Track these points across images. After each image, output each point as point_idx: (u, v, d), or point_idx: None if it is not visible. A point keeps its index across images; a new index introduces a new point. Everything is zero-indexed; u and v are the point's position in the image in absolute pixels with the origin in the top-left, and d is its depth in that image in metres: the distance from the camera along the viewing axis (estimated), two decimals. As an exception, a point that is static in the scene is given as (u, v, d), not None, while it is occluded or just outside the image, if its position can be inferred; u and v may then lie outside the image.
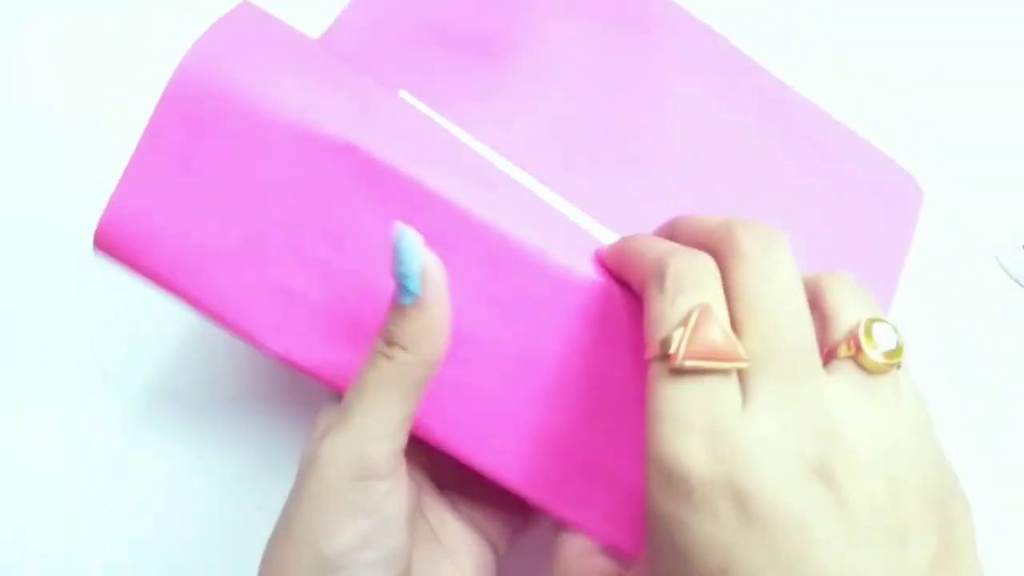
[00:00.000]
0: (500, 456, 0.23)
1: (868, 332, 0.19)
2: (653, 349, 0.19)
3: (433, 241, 0.21)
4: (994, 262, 0.39)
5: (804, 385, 0.18)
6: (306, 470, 0.20)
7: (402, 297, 0.20)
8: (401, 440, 0.21)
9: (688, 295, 0.19)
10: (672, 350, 0.18)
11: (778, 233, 0.20)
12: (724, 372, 0.18)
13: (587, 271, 0.23)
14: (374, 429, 0.20)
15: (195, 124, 0.22)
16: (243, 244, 0.22)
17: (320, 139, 0.22)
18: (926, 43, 0.42)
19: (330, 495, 0.20)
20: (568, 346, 0.23)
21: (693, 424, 0.18)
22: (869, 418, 0.18)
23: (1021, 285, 0.39)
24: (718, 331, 0.18)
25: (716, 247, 0.20)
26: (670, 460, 0.18)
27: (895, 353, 0.19)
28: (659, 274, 0.20)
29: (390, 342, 0.20)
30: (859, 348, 0.19)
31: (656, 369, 0.19)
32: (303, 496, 0.20)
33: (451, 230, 0.23)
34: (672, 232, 0.23)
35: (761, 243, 0.19)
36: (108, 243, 0.22)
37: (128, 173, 0.22)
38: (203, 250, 0.22)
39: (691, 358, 0.18)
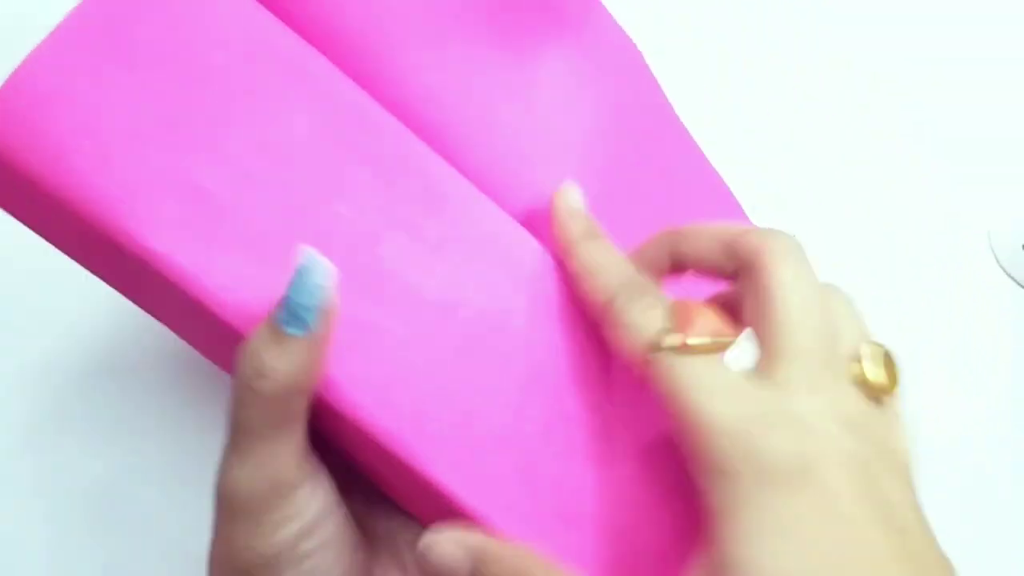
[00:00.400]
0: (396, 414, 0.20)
1: (871, 357, 0.19)
2: (644, 348, 0.19)
3: (372, 164, 0.19)
4: (993, 262, 0.40)
5: (839, 384, 0.18)
6: (218, 505, 0.20)
7: (288, 326, 0.18)
8: (301, 447, 0.20)
9: (659, 301, 0.20)
10: (674, 331, 0.18)
11: (798, 242, 0.20)
12: (723, 346, 0.18)
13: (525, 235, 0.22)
14: (268, 457, 0.19)
15: None
16: (155, 127, 0.19)
17: (269, 31, 0.20)
18: (926, 43, 0.42)
19: (251, 520, 0.19)
20: (497, 304, 0.21)
21: (725, 387, 0.18)
22: (874, 434, 0.18)
23: (1020, 285, 0.39)
24: (709, 310, 0.19)
25: (744, 257, 0.20)
26: (720, 421, 0.17)
27: (893, 378, 0.19)
28: (624, 293, 0.20)
29: (260, 373, 0.18)
30: (861, 369, 0.19)
31: (660, 359, 0.18)
32: (225, 524, 0.20)
33: (395, 155, 0.20)
34: (679, 241, 0.22)
35: (792, 254, 0.19)
36: None
37: (41, 46, 0.18)
38: (104, 130, 0.18)
39: (694, 335, 0.18)
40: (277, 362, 0.18)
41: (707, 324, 0.18)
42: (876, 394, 0.19)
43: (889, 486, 0.17)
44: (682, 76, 0.40)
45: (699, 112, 0.40)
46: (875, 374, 0.19)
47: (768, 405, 0.17)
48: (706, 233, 0.21)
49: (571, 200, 0.23)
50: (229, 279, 0.19)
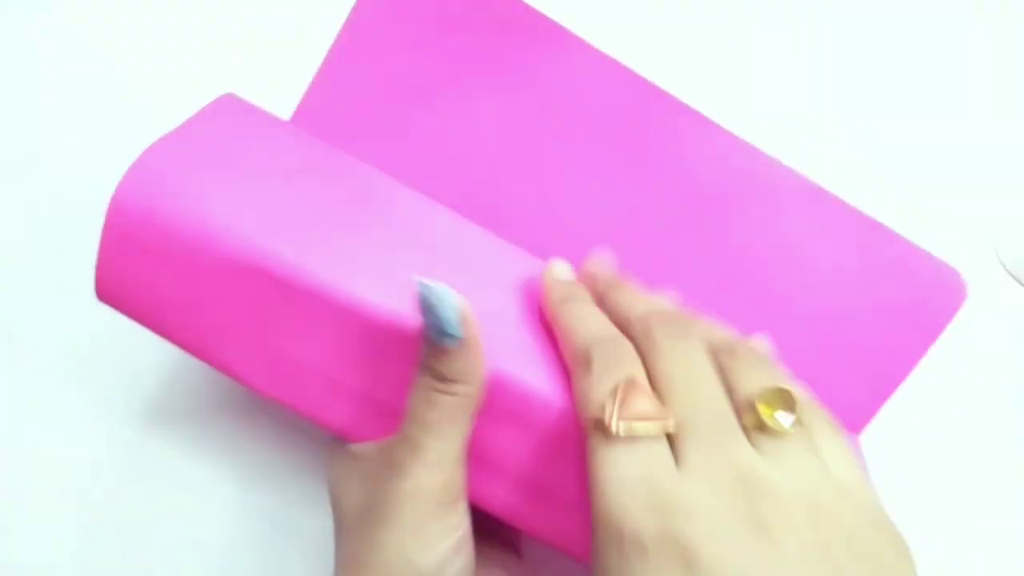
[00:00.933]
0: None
1: (763, 400, 0.21)
2: (587, 423, 0.21)
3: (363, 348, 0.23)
4: (995, 259, 0.40)
5: (727, 448, 0.20)
6: (393, 503, 0.22)
7: (444, 341, 0.22)
8: (466, 452, 0.23)
9: (613, 373, 0.21)
10: (606, 420, 0.20)
11: (689, 324, 0.23)
12: (656, 436, 0.20)
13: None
14: (448, 457, 0.22)
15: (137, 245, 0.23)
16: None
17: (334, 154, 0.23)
18: (929, 44, 0.42)
19: (424, 521, 0.22)
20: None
21: (635, 483, 0.19)
22: (786, 475, 0.20)
23: (1021, 283, 0.39)
24: (645, 399, 0.21)
25: (636, 340, 0.23)
26: (618, 520, 0.19)
27: (789, 409, 0.21)
28: (586, 360, 0.22)
29: (443, 378, 0.22)
30: (758, 415, 0.21)
31: (593, 440, 0.21)
32: (394, 524, 0.22)
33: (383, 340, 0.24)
34: (603, 300, 0.26)
35: (673, 336, 0.22)
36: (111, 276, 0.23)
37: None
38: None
39: (624, 423, 0.20)
40: (449, 368, 0.22)
41: (639, 408, 0.20)
42: (781, 431, 0.20)
43: (797, 536, 0.19)
44: (681, 76, 0.41)
45: (703, 108, 0.40)
46: (768, 417, 0.21)
47: (655, 500, 0.19)
48: (619, 308, 0.25)
49: (556, 272, 0.26)
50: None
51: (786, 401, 0.21)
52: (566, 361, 0.24)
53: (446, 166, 0.28)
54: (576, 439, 0.23)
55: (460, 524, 0.23)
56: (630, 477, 0.20)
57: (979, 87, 0.42)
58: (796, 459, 0.20)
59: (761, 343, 0.25)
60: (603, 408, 0.21)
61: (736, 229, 0.29)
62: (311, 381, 0.24)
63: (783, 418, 0.21)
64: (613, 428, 0.20)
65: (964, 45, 0.42)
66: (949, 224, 0.39)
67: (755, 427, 0.21)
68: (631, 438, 0.20)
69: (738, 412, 0.21)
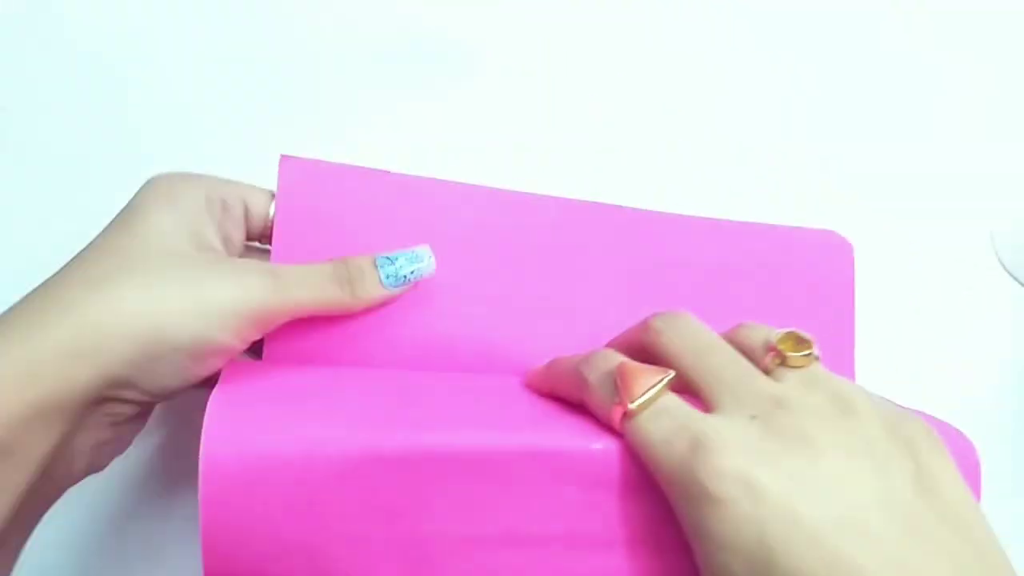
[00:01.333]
0: None
1: (782, 341, 0.23)
2: (616, 424, 0.23)
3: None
4: (996, 263, 0.40)
5: (754, 385, 0.22)
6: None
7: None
8: None
9: (602, 369, 0.24)
10: (621, 405, 0.22)
11: (681, 312, 0.25)
12: (664, 392, 0.22)
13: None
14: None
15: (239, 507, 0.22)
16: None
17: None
18: (927, 40, 0.42)
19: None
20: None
21: (672, 435, 0.21)
22: (814, 393, 0.22)
23: (1021, 283, 0.39)
24: (636, 366, 0.23)
25: (642, 341, 0.25)
26: (677, 473, 0.21)
27: (807, 346, 0.23)
28: (581, 379, 0.24)
29: None
30: (779, 353, 0.23)
31: (627, 429, 0.23)
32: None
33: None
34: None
35: (669, 320, 0.25)
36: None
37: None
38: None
39: (634, 397, 0.22)
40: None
41: (641, 381, 0.22)
42: (795, 364, 0.23)
43: (820, 427, 0.21)
44: (680, 76, 0.41)
45: (700, 113, 0.40)
46: (785, 347, 0.23)
47: (698, 441, 0.21)
48: (618, 340, 0.27)
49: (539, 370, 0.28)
50: None
51: (801, 339, 0.23)
52: (569, 395, 0.26)
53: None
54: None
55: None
56: (666, 432, 0.21)
57: (979, 85, 0.42)
58: (821, 379, 0.22)
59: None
60: (611, 399, 0.23)
61: (671, 287, 0.32)
62: (443, 549, 0.23)
63: (802, 354, 0.23)
64: (630, 406, 0.22)
65: (961, 43, 0.42)
66: (948, 223, 0.40)
67: (775, 366, 0.23)
68: (645, 404, 0.22)
69: (754, 359, 0.23)
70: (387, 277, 0.28)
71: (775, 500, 0.19)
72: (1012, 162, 0.41)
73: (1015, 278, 0.39)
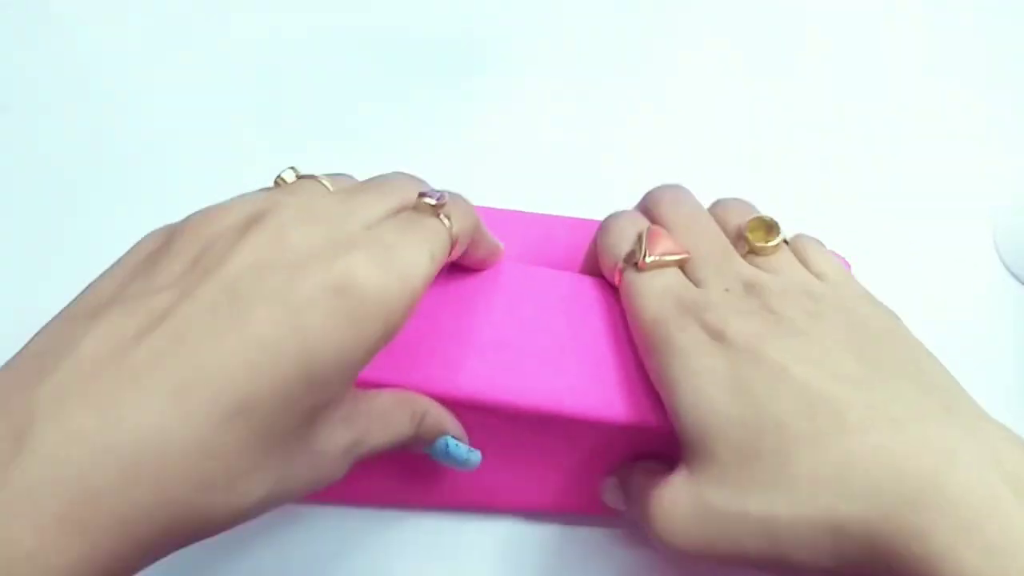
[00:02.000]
0: None
1: (749, 228, 0.27)
2: (617, 265, 0.27)
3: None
4: (998, 263, 0.40)
5: (730, 265, 0.26)
6: None
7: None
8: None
9: (632, 227, 0.28)
10: (639, 257, 0.26)
11: (676, 186, 0.29)
12: (675, 265, 0.26)
13: None
14: None
15: None
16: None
17: None
18: (929, 37, 0.42)
19: None
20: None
21: (668, 295, 0.25)
22: (780, 276, 0.26)
23: (1021, 282, 0.39)
24: (667, 237, 0.27)
25: (648, 209, 0.29)
26: (662, 322, 0.25)
27: (771, 234, 0.27)
28: (603, 227, 0.29)
29: None
30: (748, 241, 0.27)
31: (627, 275, 0.27)
32: None
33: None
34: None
35: (667, 191, 0.29)
36: None
37: None
38: None
39: (653, 257, 0.26)
40: None
41: (663, 247, 0.26)
42: (764, 251, 0.26)
43: (783, 305, 0.24)
44: (681, 77, 0.41)
45: (702, 108, 0.41)
46: (752, 237, 0.27)
47: (682, 302, 0.25)
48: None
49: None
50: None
51: (768, 226, 0.27)
52: (594, 248, 0.29)
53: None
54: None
55: None
56: (663, 291, 0.25)
57: (980, 82, 0.42)
58: (786, 266, 0.26)
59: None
60: (634, 249, 0.27)
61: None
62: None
63: (767, 240, 0.26)
64: (647, 260, 0.26)
65: (963, 37, 0.42)
66: (950, 223, 0.40)
67: (749, 251, 0.27)
68: (659, 267, 0.26)
69: (734, 243, 0.27)
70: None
71: (744, 346, 0.22)
72: (1012, 159, 0.41)
73: (1014, 275, 0.39)
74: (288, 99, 0.39)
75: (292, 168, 0.23)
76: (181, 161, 0.37)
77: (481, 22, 0.41)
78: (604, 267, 0.28)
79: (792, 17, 0.42)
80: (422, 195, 0.23)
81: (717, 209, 0.29)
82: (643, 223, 0.28)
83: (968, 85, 0.42)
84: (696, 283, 0.26)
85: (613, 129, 0.40)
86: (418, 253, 0.21)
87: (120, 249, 0.22)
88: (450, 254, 0.24)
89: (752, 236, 0.27)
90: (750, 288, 0.25)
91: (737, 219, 0.28)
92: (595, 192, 0.36)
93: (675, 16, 0.42)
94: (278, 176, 0.23)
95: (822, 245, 0.28)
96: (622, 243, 0.27)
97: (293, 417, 0.19)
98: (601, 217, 0.30)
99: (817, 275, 0.26)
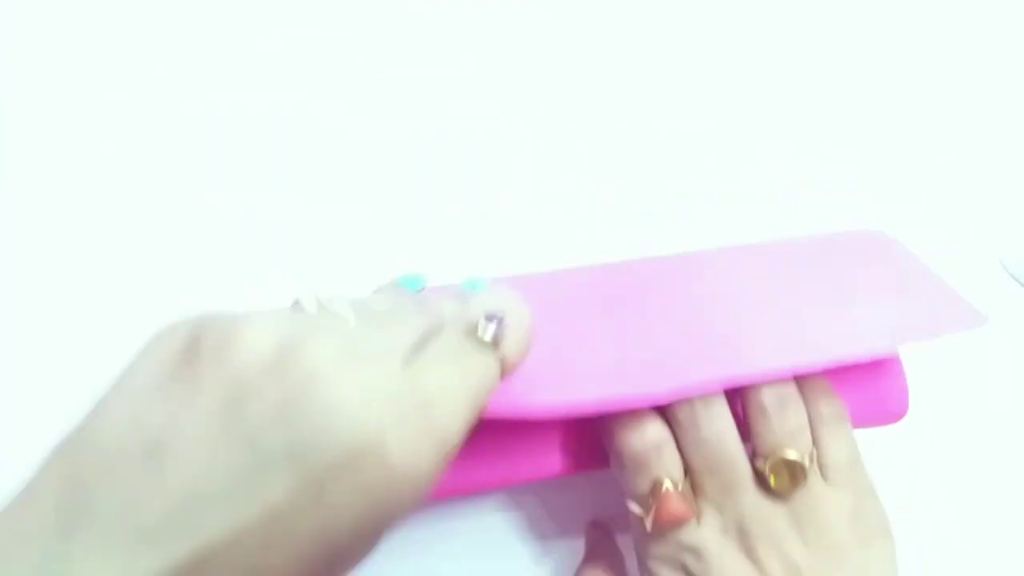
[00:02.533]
0: None
1: (773, 468, 0.25)
2: (633, 513, 0.26)
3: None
4: (998, 265, 0.40)
5: (733, 496, 0.25)
6: None
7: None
8: None
9: (643, 473, 0.26)
10: (646, 521, 0.25)
11: (713, 403, 0.26)
12: (686, 527, 0.25)
13: None
14: None
15: None
16: None
17: None
18: (933, 52, 0.42)
19: None
20: None
21: (671, 563, 0.26)
22: (771, 514, 0.25)
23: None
24: (678, 500, 0.25)
25: (665, 414, 0.27)
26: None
27: (795, 480, 0.25)
28: (617, 453, 0.26)
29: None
30: (765, 479, 0.25)
31: (637, 528, 0.26)
32: None
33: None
34: None
35: (693, 413, 0.26)
36: None
37: None
38: None
39: (657, 528, 0.25)
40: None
41: (672, 516, 0.25)
42: (787, 493, 0.25)
43: (768, 556, 0.25)
44: (684, 80, 0.41)
45: (706, 129, 0.41)
46: (774, 482, 0.25)
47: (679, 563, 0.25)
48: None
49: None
50: None
51: (793, 472, 0.25)
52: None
53: None
54: None
55: None
56: (666, 558, 0.26)
57: (981, 91, 0.42)
58: (797, 514, 0.25)
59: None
60: (641, 507, 0.26)
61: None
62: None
63: (789, 484, 0.25)
64: (649, 530, 0.25)
65: (959, 48, 0.42)
66: (952, 229, 0.40)
67: (765, 477, 0.25)
68: (663, 532, 0.25)
69: (752, 463, 0.26)
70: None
71: None
72: (1013, 165, 0.41)
73: (1019, 281, 0.39)
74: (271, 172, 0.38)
75: (314, 296, 0.20)
76: (173, 156, 0.37)
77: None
78: (628, 495, 0.27)
79: (794, 38, 0.42)
80: (479, 322, 0.20)
81: (748, 414, 0.26)
82: (662, 462, 0.26)
83: (973, 94, 0.42)
84: (697, 496, 0.26)
85: (611, 125, 0.40)
86: (462, 407, 0.19)
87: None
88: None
89: (775, 480, 0.25)
90: (743, 534, 0.25)
91: (768, 441, 0.26)
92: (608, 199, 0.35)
93: (678, 19, 0.42)
94: (296, 301, 0.20)
95: (839, 490, 0.26)
96: (636, 488, 0.26)
97: None
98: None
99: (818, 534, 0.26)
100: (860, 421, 0.30)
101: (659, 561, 0.26)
